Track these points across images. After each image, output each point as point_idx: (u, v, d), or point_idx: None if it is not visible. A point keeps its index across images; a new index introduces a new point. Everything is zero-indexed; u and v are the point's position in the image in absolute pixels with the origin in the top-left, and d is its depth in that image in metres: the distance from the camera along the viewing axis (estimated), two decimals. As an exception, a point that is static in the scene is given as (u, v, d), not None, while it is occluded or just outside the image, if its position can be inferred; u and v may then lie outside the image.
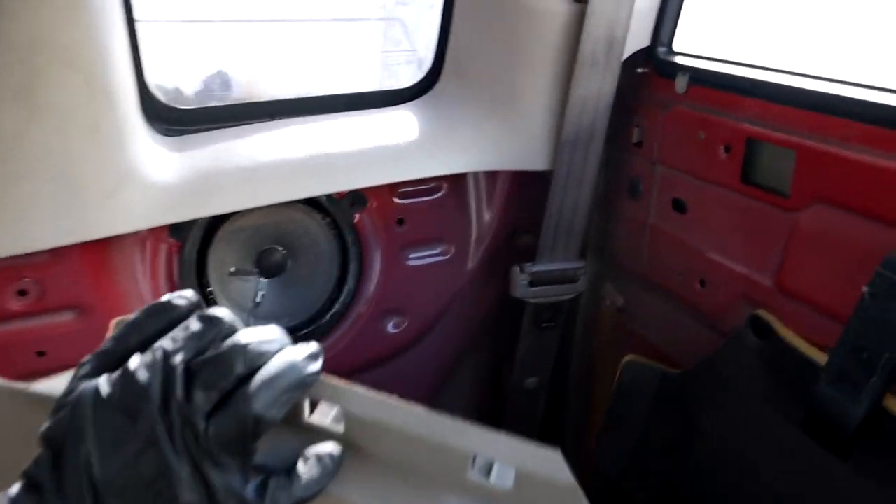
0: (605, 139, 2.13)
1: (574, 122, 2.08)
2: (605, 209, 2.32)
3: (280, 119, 2.11)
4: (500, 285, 2.36)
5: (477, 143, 2.13)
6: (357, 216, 2.12)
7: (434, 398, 2.49)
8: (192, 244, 2.07)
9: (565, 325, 2.45)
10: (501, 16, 2.05)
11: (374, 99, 2.23)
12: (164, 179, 1.84)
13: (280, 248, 2.10)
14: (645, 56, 2.05)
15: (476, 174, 2.19)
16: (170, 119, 1.98)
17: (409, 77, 2.26)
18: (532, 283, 2.24)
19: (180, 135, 2.01)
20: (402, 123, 2.12)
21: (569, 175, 2.16)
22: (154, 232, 1.86)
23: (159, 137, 1.94)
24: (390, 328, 2.33)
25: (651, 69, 2.02)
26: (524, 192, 2.32)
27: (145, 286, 2.01)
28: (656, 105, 1.99)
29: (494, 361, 2.49)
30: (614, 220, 2.31)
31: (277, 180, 1.95)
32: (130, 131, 1.76)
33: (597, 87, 2.06)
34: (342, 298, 2.26)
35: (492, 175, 2.21)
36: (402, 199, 2.17)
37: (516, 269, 2.23)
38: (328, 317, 2.26)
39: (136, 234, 1.81)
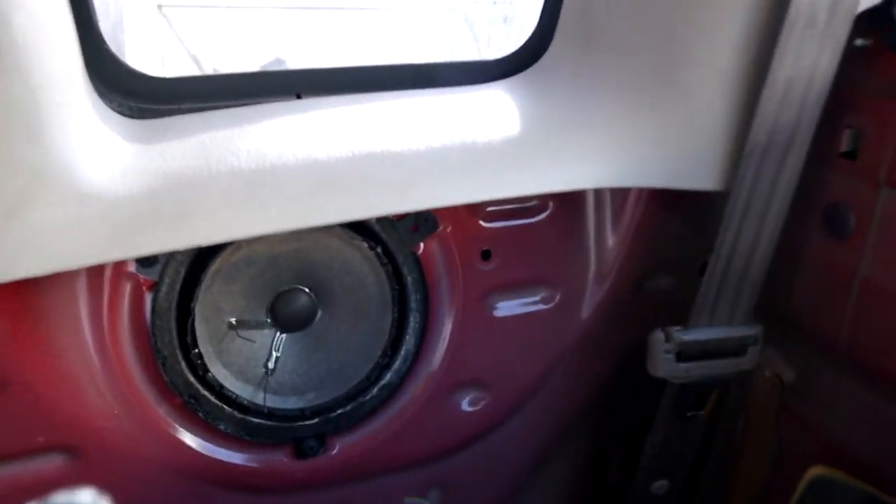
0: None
1: (770, 119, 1.32)
2: (784, 247, 1.52)
3: (310, 97, 1.36)
4: (620, 348, 1.72)
5: (606, 145, 1.40)
6: (422, 245, 1.54)
7: (510, 501, 1.81)
8: (171, 282, 1.45)
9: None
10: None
11: (452, 74, 1.49)
12: (116, 188, 1.19)
13: (306, 290, 1.53)
14: (871, 20, 1.36)
15: (599, 190, 1.59)
16: (136, 92, 1.29)
17: (498, 41, 1.46)
18: (681, 357, 1.46)
19: (151, 117, 1.36)
20: (492, 111, 1.42)
21: (751, 198, 1.40)
22: (112, 266, 1.35)
23: (114, 119, 1.30)
24: (464, 406, 1.68)
25: (877, 40, 1.36)
26: (667, 217, 1.63)
27: (93, 352, 1.39)
28: (887, 96, 1.35)
29: (598, 449, 1.92)
30: (798, 263, 1.54)
31: (302, 193, 1.25)
32: (60, 106, 1.12)
33: (810, 63, 1.28)
34: (396, 365, 1.61)
35: (622, 192, 1.61)
36: (490, 221, 1.56)
37: (659, 335, 1.48)
38: (374, 391, 1.61)
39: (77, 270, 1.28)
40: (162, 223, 1.22)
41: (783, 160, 1.40)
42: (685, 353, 1.53)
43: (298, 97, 1.45)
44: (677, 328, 1.52)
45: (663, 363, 1.52)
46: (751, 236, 1.46)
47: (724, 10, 1.31)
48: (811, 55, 1.32)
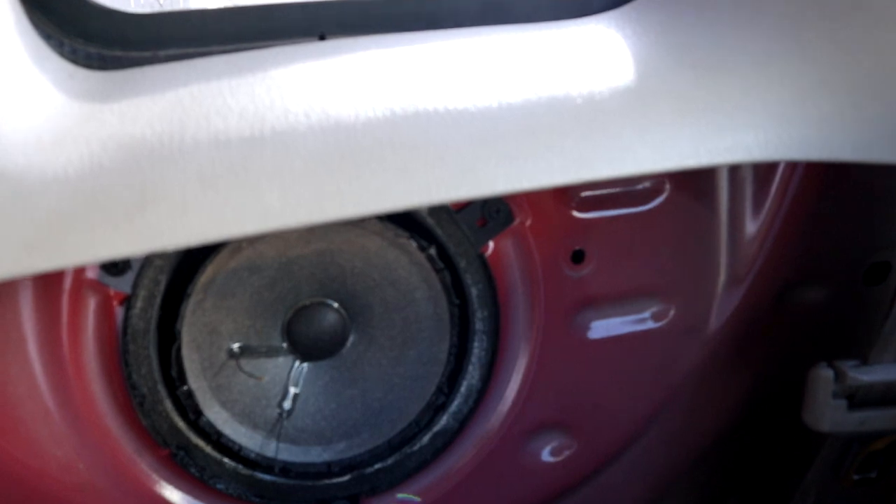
0: None
1: None
2: None
3: (336, 39, 1.01)
4: (753, 380, 1.31)
5: (758, 100, 0.97)
6: (491, 245, 1.14)
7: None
8: (149, 295, 1.08)
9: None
10: None
11: (534, 3, 1.04)
12: (53, 166, 0.82)
13: (334, 305, 1.14)
14: None
15: (736, 167, 1.16)
16: (98, 32, 0.97)
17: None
18: (854, 402, 1.03)
19: (114, 67, 0.98)
20: (592, 56, 0.99)
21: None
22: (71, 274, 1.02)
23: (60, 69, 0.93)
24: (543, 457, 1.26)
25: None
26: (825, 207, 1.19)
27: (46, 389, 1.04)
28: None
29: None
30: None
31: (320, 173, 0.86)
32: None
33: None
34: (455, 406, 1.21)
35: (767, 171, 1.17)
36: (585, 210, 1.15)
37: (824, 373, 1.07)
38: (426, 440, 1.22)
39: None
40: (117, 216, 0.83)
41: None
42: (860, 398, 1.09)
43: (322, 38, 1.04)
44: (851, 363, 1.09)
45: (829, 411, 1.09)
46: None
47: None
48: None
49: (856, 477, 1.21)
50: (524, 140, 0.90)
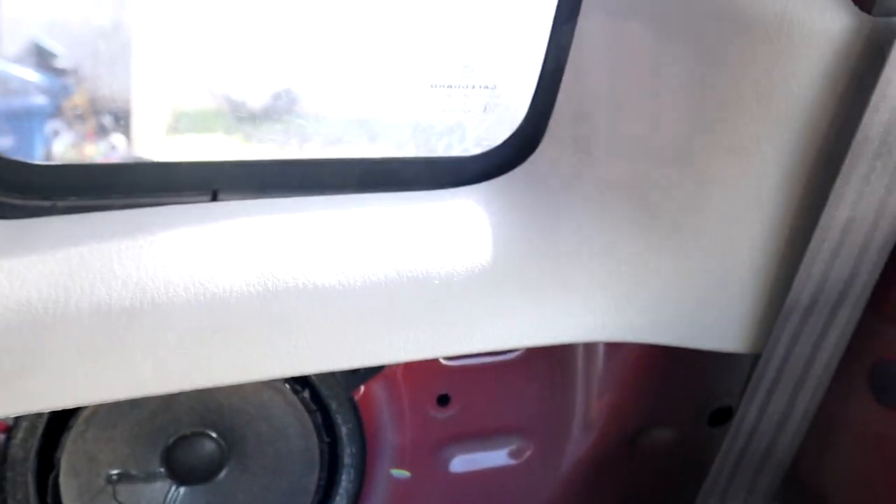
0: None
1: (820, 269, 1.01)
2: (821, 416, 1.20)
3: (225, 200, 1.03)
4: None
5: (606, 287, 1.10)
6: (362, 388, 1.22)
7: None
8: (31, 426, 1.12)
9: None
10: (692, 27, 0.97)
11: (417, 172, 1.16)
12: None
13: (212, 435, 1.20)
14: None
15: None
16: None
17: (475, 128, 1.14)
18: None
19: (10, 216, 1.04)
20: (453, 230, 1.11)
21: (786, 363, 1.08)
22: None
23: None
24: None
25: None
26: (671, 361, 1.29)
27: None
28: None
29: None
30: (836, 434, 1.20)
31: (195, 345, 0.94)
32: None
33: (877, 201, 0.97)
34: None
35: None
36: (451, 359, 1.24)
37: None
38: None
39: None
40: (12, 381, 0.88)
41: (831, 319, 1.08)
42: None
43: (214, 196, 1.12)
44: (678, 513, 1.20)
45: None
46: (781, 406, 1.15)
47: (766, 131, 0.99)
48: (879, 192, 1.00)
49: None
50: (384, 320, 0.98)
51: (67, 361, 0.89)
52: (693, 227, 1.08)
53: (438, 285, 1.01)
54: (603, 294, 1.06)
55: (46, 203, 1.07)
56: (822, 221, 1.00)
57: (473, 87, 1.18)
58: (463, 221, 1.11)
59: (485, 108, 1.19)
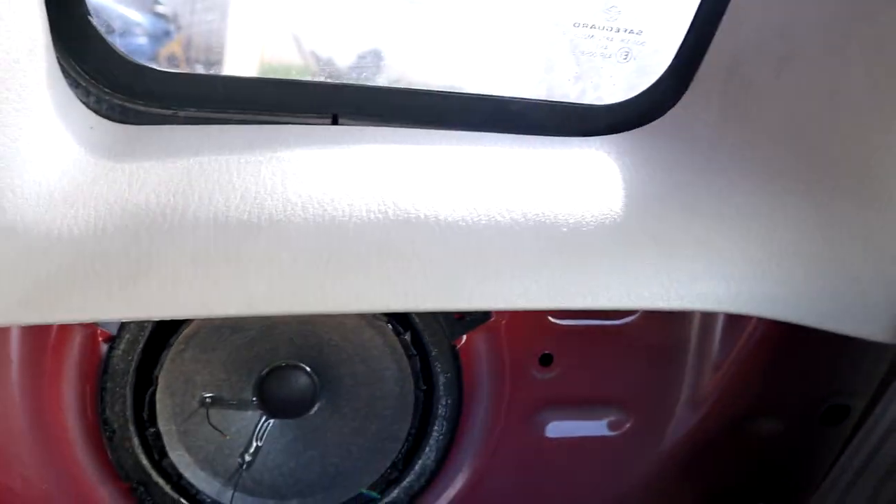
0: None
1: None
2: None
3: (346, 123, 0.99)
4: (698, 498, 1.32)
5: (746, 253, 1.01)
6: (464, 338, 1.18)
7: None
8: (133, 339, 1.12)
9: None
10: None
11: (546, 118, 1.09)
12: (56, 223, 0.85)
13: (306, 369, 1.17)
14: None
15: None
16: (126, 85, 1.02)
17: (611, 79, 1.06)
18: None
19: (135, 122, 1.03)
20: (592, 178, 1.04)
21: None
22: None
23: (82, 118, 0.97)
24: None
25: None
26: (789, 347, 1.20)
27: (22, 409, 1.06)
28: None
29: None
30: None
31: (306, 269, 0.89)
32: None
33: None
34: (407, 482, 1.24)
35: None
36: (558, 317, 1.19)
37: None
38: None
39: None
40: (111, 284, 0.86)
41: None
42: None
43: (334, 120, 1.08)
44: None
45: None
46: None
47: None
48: None
49: None
50: (505, 263, 0.93)
51: (182, 270, 0.87)
52: (865, 199, 0.99)
53: (566, 233, 0.95)
54: (743, 260, 0.99)
55: (168, 111, 1.06)
56: None
57: (618, 30, 1.11)
58: (593, 172, 1.05)
59: (626, 56, 1.12)
